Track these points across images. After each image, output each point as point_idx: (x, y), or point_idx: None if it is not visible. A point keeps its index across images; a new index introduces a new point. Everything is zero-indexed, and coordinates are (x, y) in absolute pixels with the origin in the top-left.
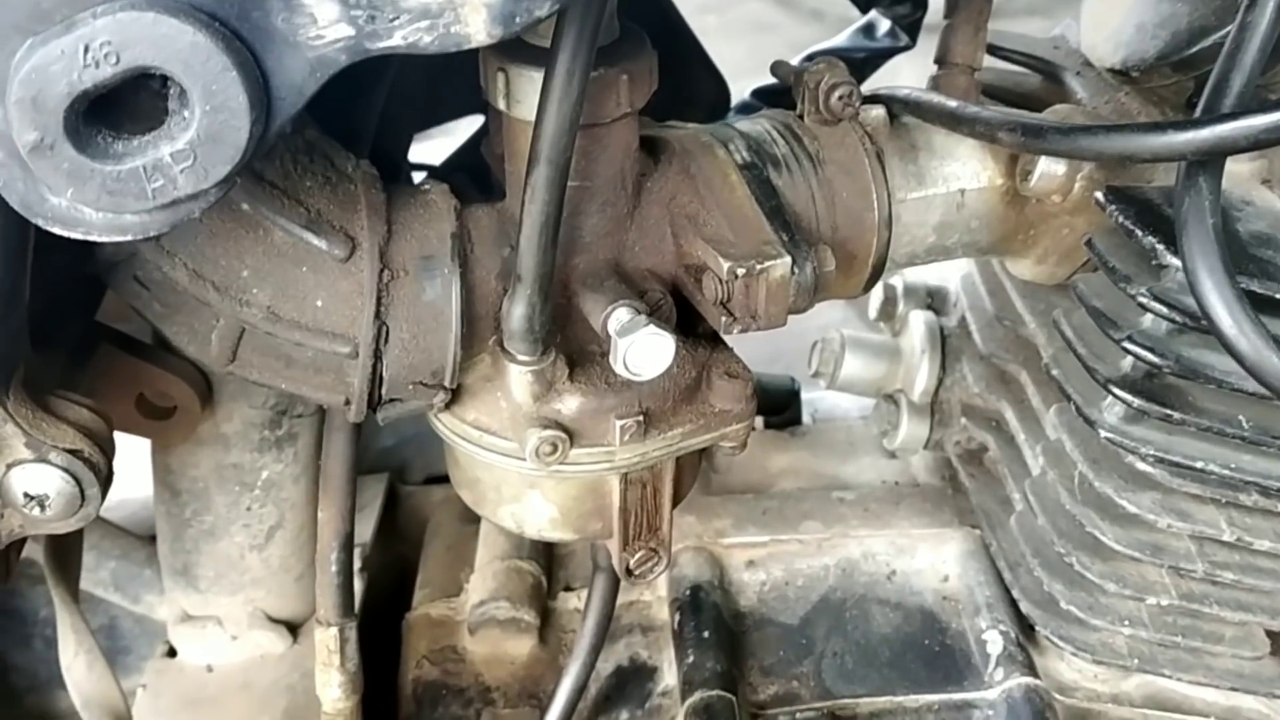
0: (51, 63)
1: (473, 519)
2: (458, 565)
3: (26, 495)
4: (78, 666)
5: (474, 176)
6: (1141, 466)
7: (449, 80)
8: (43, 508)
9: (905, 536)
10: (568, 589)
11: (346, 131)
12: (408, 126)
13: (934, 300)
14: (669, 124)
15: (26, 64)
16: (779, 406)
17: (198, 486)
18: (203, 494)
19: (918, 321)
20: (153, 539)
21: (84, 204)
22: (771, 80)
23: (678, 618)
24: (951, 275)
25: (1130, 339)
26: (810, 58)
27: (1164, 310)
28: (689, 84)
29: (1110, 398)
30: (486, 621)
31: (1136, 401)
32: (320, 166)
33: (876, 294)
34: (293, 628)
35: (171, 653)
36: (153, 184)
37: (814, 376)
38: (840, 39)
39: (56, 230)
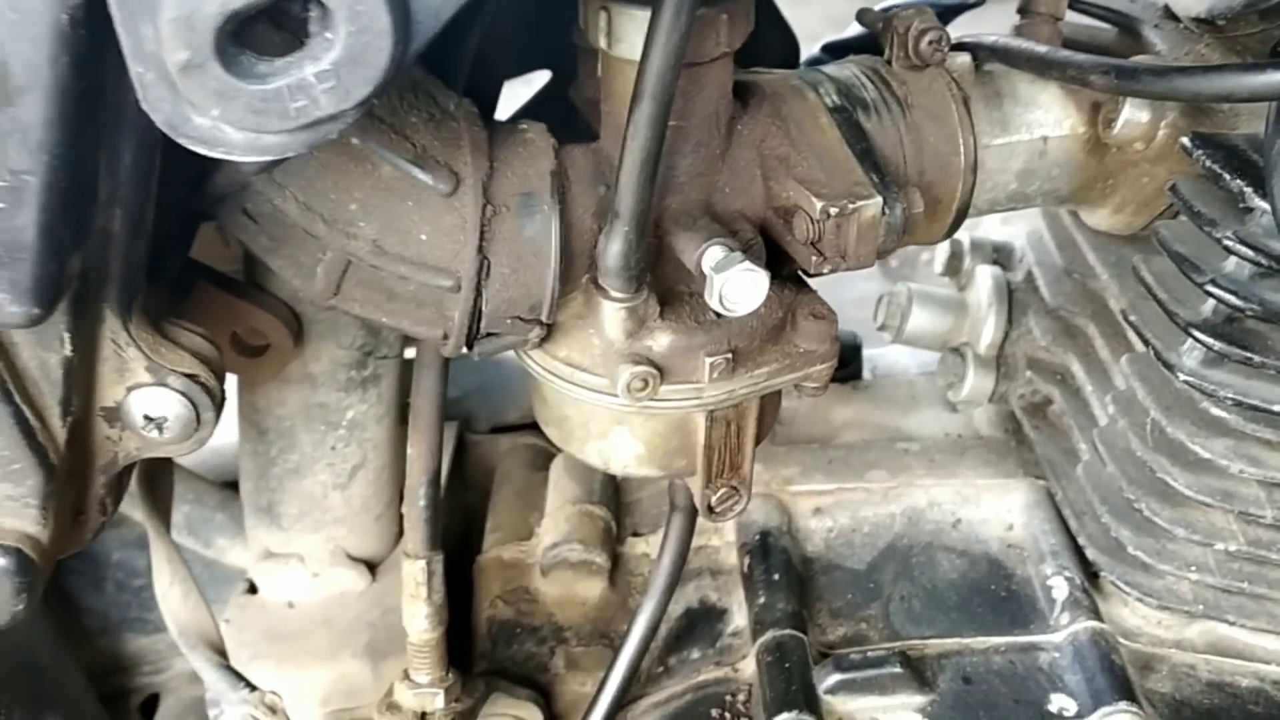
0: None
1: (540, 466)
2: (527, 510)
3: (146, 418)
4: (173, 595)
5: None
6: (1216, 411)
7: (533, 29)
8: (160, 430)
9: (970, 486)
10: (636, 534)
11: (442, 72)
12: (498, 71)
13: (1000, 255)
14: (756, 70)
15: None
16: (841, 361)
17: (284, 425)
18: (289, 433)
19: (984, 276)
20: (226, 485)
21: (228, 124)
22: (838, 37)
23: (747, 561)
24: (1017, 231)
25: (1213, 282)
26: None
27: (1249, 253)
28: (758, 38)
29: (1189, 342)
30: (559, 563)
31: (1217, 345)
32: (425, 103)
33: (943, 249)
34: (371, 567)
35: (252, 590)
36: (295, 103)
37: (880, 329)
38: None
39: (198, 149)
